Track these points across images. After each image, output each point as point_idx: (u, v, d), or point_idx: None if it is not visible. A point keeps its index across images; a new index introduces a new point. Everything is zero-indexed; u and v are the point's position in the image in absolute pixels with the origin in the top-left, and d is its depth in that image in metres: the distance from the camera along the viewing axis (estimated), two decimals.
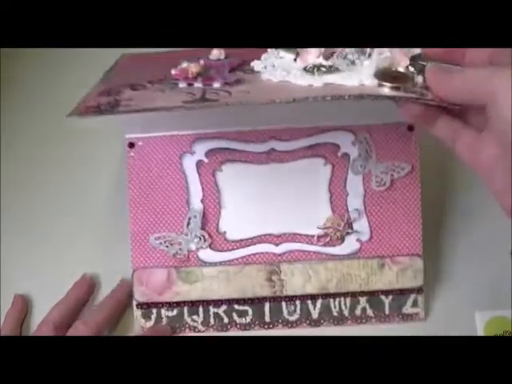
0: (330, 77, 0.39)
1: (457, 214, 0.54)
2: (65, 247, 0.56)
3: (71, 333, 0.49)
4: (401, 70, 0.39)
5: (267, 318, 0.51)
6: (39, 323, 0.50)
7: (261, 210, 0.51)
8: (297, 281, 0.50)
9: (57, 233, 0.56)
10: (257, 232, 0.51)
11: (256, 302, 0.51)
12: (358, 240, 0.50)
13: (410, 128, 0.50)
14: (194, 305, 0.51)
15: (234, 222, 0.51)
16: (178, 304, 0.51)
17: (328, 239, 0.50)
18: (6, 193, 0.58)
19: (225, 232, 0.50)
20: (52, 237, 0.56)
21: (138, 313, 0.51)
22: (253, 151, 0.50)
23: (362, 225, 0.50)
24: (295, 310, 0.51)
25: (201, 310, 0.51)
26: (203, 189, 0.50)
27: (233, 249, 0.50)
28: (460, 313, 0.52)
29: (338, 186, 0.50)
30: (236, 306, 0.51)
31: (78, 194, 0.58)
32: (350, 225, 0.50)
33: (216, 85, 0.40)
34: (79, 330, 0.49)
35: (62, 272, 0.54)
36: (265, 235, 0.50)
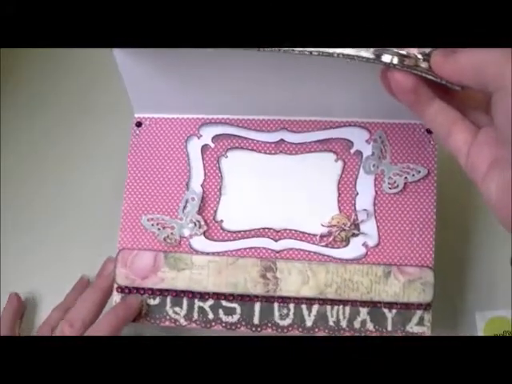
0: None
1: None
2: (66, 248, 0.55)
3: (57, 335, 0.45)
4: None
5: (256, 320, 0.46)
6: (39, 327, 0.48)
7: (263, 202, 0.47)
8: (293, 281, 0.46)
9: (57, 233, 0.55)
10: (256, 225, 0.47)
11: (246, 299, 0.46)
12: (364, 244, 0.46)
13: (430, 130, 0.47)
14: (178, 295, 0.46)
15: (233, 212, 0.47)
16: (162, 292, 0.46)
17: (331, 239, 0.46)
18: (5, 192, 0.57)
19: (222, 221, 0.47)
20: (52, 237, 0.55)
21: (117, 297, 0.47)
22: (261, 140, 0.48)
23: (369, 228, 0.46)
24: (288, 314, 0.46)
25: (185, 301, 0.46)
26: (205, 173, 0.48)
27: (228, 239, 0.47)
28: (460, 313, 0.50)
29: (347, 185, 0.47)
30: (224, 302, 0.46)
31: (78, 195, 0.56)
32: (356, 226, 0.46)
33: None
34: (65, 332, 0.44)
35: (63, 272, 0.53)
36: (264, 229, 0.47)
